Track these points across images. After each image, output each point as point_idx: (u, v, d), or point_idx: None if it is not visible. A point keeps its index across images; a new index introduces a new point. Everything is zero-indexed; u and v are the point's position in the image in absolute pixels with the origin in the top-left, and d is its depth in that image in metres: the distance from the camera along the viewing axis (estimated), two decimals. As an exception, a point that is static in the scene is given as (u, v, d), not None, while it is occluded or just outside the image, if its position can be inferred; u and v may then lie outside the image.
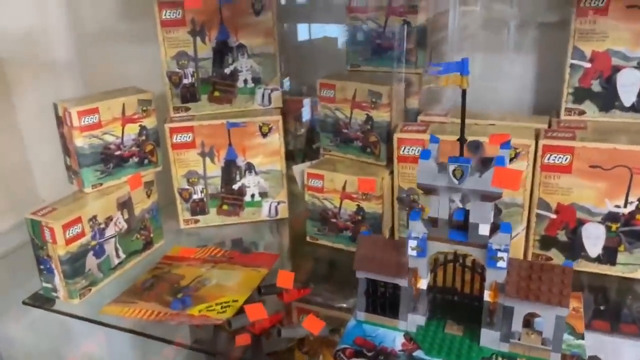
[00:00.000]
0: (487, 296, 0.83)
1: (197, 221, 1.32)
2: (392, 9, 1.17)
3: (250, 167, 1.29)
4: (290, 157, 1.39)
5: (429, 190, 0.82)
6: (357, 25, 1.22)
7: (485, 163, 0.83)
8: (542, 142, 1.01)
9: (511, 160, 1.04)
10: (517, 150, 1.03)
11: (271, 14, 1.24)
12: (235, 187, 1.30)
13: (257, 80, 1.29)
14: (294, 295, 1.01)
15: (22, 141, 1.44)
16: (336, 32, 1.27)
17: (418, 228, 0.84)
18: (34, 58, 1.37)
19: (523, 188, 1.05)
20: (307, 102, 1.39)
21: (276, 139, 1.27)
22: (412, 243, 0.85)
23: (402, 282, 0.89)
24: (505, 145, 0.80)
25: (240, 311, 0.95)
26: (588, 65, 1.06)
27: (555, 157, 1.01)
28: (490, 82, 1.23)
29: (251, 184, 1.30)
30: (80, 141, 1.05)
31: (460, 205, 0.85)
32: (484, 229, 0.80)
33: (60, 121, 1.07)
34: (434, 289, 0.92)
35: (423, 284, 0.88)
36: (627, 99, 1.06)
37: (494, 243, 0.80)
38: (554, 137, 1.01)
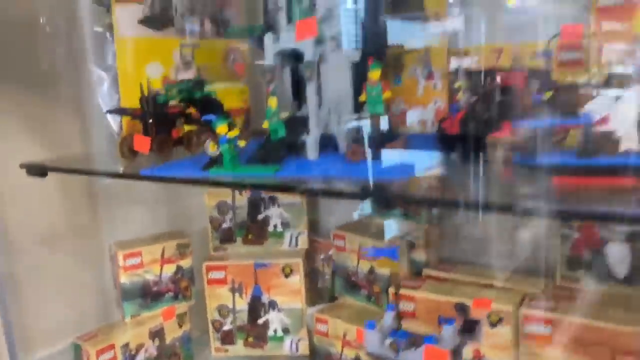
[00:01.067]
0: None
1: (226, 350, 1.46)
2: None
3: (273, 304, 1.42)
4: (318, 296, 1.51)
5: (374, 357, 0.89)
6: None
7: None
8: (522, 310, 1.03)
9: (495, 325, 1.07)
10: (501, 316, 1.06)
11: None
12: (260, 321, 1.43)
13: (285, 225, 1.46)
14: None
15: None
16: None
17: (372, 392, 0.91)
18: (124, 192, 1.65)
19: (508, 353, 1.06)
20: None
21: (297, 280, 1.41)
22: (366, 406, 0.91)
23: None
24: (450, 321, 0.86)
25: None
26: (577, 235, 1.09)
27: (537, 327, 1.02)
28: (500, 240, 1.28)
29: (274, 320, 1.43)
30: (123, 278, 1.27)
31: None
32: (425, 402, 0.85)
33: (112, 259, 1.31)
34: None
35: None
36: (620, 271, 1.05)
37: (434, 417, 0.84)
38: (535, 307, 1.03)
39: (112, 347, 1.21)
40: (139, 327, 1.28)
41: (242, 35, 1.20)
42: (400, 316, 1.09)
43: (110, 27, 1.24)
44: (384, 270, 1.23)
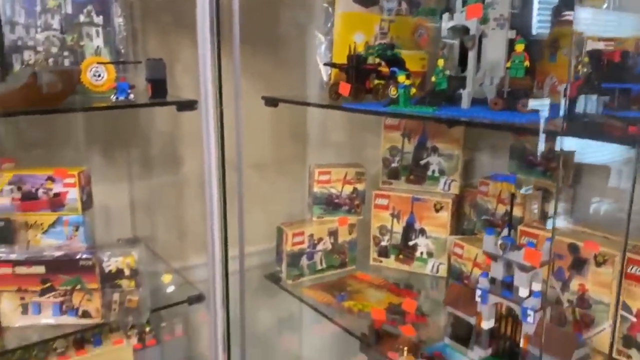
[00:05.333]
0: (521, 343, 1.16)
1: (381, 261, 1.86)
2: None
3: (423, 232, 1.78)
4: (461, 232, 1.82)
5: (490, 257, 1.21)
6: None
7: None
8: (628, 254, 1.25)
9: (600, 264, 1.30)
10: (605, 257, 1.28)
11: (460, 128, 1.74)
12: (411, 243, 1.81)
13: (442, 172, 1.79)
14: (412, 319, 1.46)
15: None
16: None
17: (484, 284, 1.23)
18: (326, 134, 2.14)
19: (609, 290, 1.29)
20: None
21: (445, 216, 1.75)
22: (477, 292, 1.23)
23: (472, 321, 1.27)
24: (530, 244, 1.14)
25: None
26: None
27: (637, 269, 1.23)
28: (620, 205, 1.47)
29: (422, 244, 1.79)
30: (316, 189, 1.74)
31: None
32: (523, 292, 1.15)
33: (310, 175, 1.80)
34: (501, 334, 1.27)
35: (485, 325, 1.24)
36: None
37: (526, 303, 1.13)
38: (638, 253, 1.24)
39: (302, 233, 1.69)
40: (321, 225, 1.75)
41: (428, 14, 1.54)
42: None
43: (332, 4, 1.68)
44: (517, 214, 1.51)
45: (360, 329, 1.47)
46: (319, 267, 1.77)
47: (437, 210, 1.76)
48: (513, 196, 1.15)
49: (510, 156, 1.66)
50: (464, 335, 1.30)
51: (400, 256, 1.83)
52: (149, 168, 1.86)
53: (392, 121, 1.82)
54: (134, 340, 1.82)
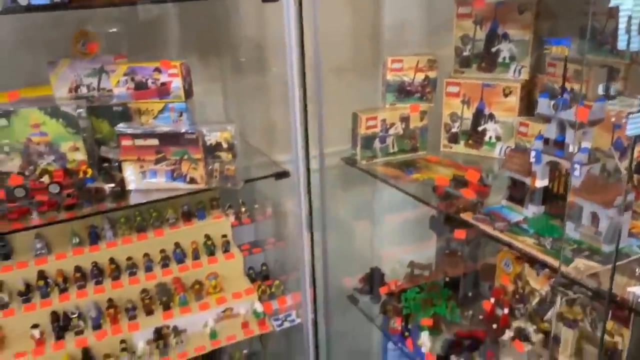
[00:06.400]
0: (569, 196, 1.27)
1: (451, 147, 1.98)
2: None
3: (492, 117, 1.87)
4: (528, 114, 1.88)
5: (544, 119, 1.30)
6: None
7: None
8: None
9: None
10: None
11: (530, 14, 1.77)
12: (480, 129, 1.91)
13: (512, 58, 1.85)
14: (475, 188, 1.60)
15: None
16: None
17: (538, 145, 1.33)
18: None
19: (665, 154, 1.34)
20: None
21: (514, 100, 1.82)
22: (532, 153, 1.34)
23: (527, 181, 1.39)
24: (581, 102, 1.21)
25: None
26: None
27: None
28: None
29: (491, 129, 1.89)
30: (389, 77, 1.88)
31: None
32: (572, 149, 1.25)
33: (383, 65, 1.93)
34: (554, 194, 1.38)
35: (539, 183, 1.36)
36: None
37: (574, 158, 1.23)
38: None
39: (375, 118, 1.85)
40: (393, 112, 1.89)
41: None
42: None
43: None
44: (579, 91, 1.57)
45: (425, 196, 1.64)
46: (391, 151, 1.93)
47: (505, 95, 1.83)
48: (566, 59, 1.22)
49: (580, 36, 1.68)
50: (520, 196, 1.43)
51: (470, 141, 1.94)
52: (241, 71, 2.07)
53: (464, 9, 1.88)
54: (232, 218, 2.12)
